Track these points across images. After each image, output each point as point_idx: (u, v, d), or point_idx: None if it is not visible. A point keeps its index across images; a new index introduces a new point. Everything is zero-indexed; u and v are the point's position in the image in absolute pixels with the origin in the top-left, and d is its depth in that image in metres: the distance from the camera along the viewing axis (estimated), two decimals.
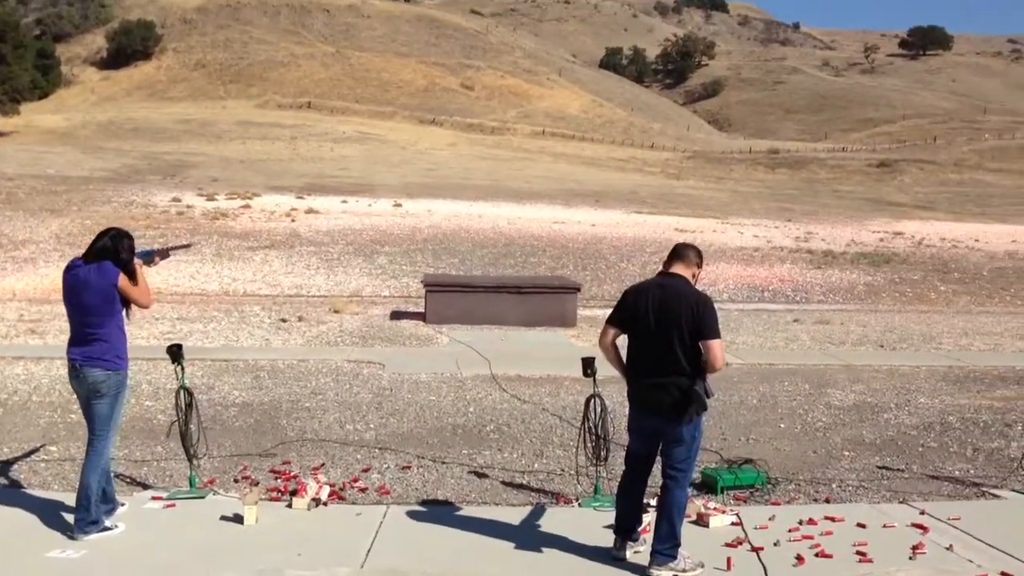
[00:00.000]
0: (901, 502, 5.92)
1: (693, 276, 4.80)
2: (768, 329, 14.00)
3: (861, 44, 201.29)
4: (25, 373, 8.92)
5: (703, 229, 29.90)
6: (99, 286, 4.85)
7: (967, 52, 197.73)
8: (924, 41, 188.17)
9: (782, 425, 7.96)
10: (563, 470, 6.46)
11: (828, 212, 43.63)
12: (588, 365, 5.64)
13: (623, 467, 4.94)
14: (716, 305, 4.76)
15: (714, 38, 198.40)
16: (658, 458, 4.79)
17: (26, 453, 6.46)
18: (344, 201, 32.71)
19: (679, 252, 4.84)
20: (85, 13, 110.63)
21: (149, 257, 5.24)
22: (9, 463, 6.25)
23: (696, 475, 6.23)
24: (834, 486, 6.32)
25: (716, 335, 4.57)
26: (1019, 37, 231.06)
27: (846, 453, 7.15)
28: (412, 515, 5.35)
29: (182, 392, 5.48)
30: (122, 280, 4.87)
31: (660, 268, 4.96)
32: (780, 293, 18.93)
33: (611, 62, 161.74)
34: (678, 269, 4.76)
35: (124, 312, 4.97)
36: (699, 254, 4.89)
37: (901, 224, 37.18)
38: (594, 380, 5.66)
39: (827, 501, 5.98)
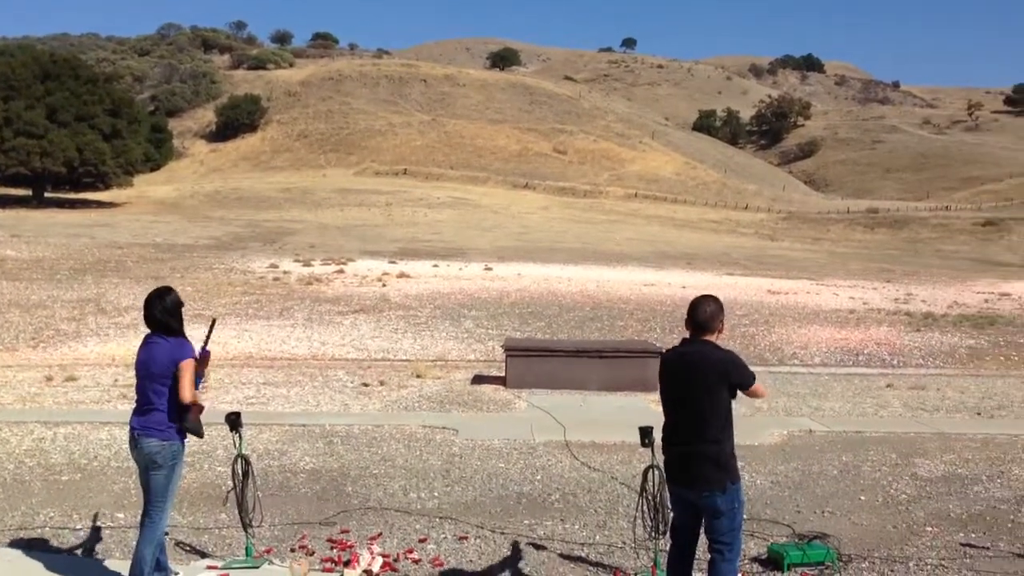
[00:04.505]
0: None
1: (717, 335, 4.63)
2: (858, 395, 13.48)
3: (964, 102, 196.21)
4: (109, 438, 9.15)
5: (796, 291, 29.24)
6: (170, 358, 4.89)
7: None
8: None
9: (862, 497, 7.61)
10: (624, 543, 6.28)
11: (930, 273, 42.23)
12: (646, 434, 5.48)
13: None
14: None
15: (810, 99, 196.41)
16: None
17: (94, 519, 6.60)
18: (435, 265, 33.15)
19: (697, 319, 4.62)
20: (196, 89, 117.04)
21: (206, 356, 5.17)
22: (76, 530, 6.39)
23: (763, 550, 6.00)
24: (911, 564, 5.98)
25: (753, 378, 4.58)
26: None
27: (928, 528, 6.79)
28: None
29: (239, 460, 5.55)
30: (188, 364, 4.85)
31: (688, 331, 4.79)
32: (875, 357, 18.23)
33: (705, 124, 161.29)
34: (700, 334, 4.62)
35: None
36: (719, 309, 4.67)
37: (1008, 285, 35.66)
38: (652, 450, 5.50)
39: None
